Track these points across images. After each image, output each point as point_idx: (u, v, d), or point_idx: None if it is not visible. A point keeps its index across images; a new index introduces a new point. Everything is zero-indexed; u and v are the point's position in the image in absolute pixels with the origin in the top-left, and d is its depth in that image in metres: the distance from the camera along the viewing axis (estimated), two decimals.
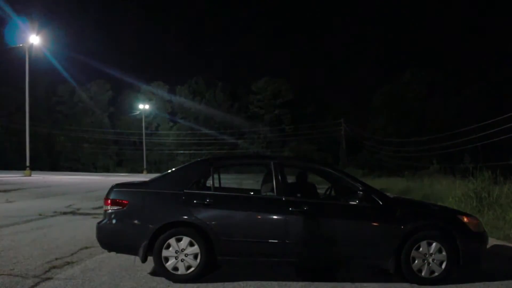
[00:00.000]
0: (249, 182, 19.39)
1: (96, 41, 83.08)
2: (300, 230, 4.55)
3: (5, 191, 15.00)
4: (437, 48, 60.51)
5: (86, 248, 6.02)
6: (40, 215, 9.26)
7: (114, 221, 4.67)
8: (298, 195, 5.08)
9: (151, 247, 4.53)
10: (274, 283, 4.53)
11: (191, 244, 4.54)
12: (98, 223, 4.78)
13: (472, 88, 43.10)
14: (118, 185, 4.87)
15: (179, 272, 4.53)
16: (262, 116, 60.76)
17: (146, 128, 55.37)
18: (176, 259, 4.52)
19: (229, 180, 6.61)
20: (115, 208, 4.67)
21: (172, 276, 4.52)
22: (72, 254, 5.64)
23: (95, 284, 4.38)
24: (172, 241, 4.54)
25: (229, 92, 61.90)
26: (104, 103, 60.00)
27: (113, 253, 4.95)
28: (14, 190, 15.73)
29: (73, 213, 9.96)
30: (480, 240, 4.79)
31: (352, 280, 4.67)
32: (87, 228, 7.29)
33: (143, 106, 54.77)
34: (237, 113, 60.69)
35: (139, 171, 50.08)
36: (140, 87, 60.52)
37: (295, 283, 4.55)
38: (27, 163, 29.56)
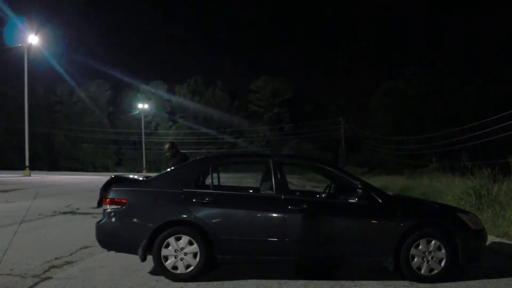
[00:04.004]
0: (249, 180, 19.39)
1: (95, 41, 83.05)
2: (299, 228, 4.55)
3: (4, 191, 14.99)
4: (436, 45, 60.54)
5: (86, 247, 6.01)
6: (39, 215, 9.25)
7: (113, 220, 4.66)
8: (298, 193, 5.07)
9: (151, 246, 4.53)
10: (274, 281, 4.53)
11: (190, 243, 4.53)
12: (98, 222, 4.78)
13: (472, 86, 43.12)
14: (117, 183, 4.84)
15: (178, 271, 4.52)
16: (261, 115, 60.79)
17: (146, 127, 55.39)
18: (175, 258, 4.52)
19: (228, 179, 6.60)
20: (114, 207, 4.65)
21: (171, 275, 4.52)
22: (71, 254, 5.64)
23: (94, 284, 4.38)
24: (171, 240, 4.54)
25: (228, 91, 61.90)
26: (103, 103, 60.02)
27: (112, 253, 4.94)
28: (14, 190, 15.72)
29: (72, 212, 9.96)
30: (479, 238, 4.79)
31: (352, 278, 4.68)
32: (87, 228, 7.28)
33: (142, 106, 54.80)
34: (236, 112, 60.74)
35: (138, 170, 50.08)
36: (139, 87, 60.55)
37: (294, 281, 4.55)
38: (27, 163, 29.56)
